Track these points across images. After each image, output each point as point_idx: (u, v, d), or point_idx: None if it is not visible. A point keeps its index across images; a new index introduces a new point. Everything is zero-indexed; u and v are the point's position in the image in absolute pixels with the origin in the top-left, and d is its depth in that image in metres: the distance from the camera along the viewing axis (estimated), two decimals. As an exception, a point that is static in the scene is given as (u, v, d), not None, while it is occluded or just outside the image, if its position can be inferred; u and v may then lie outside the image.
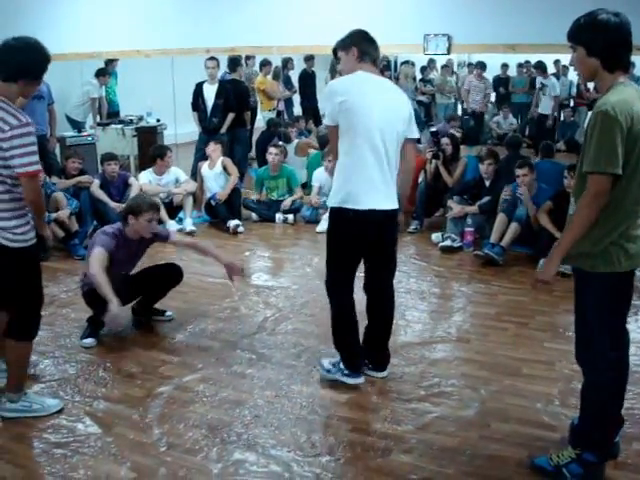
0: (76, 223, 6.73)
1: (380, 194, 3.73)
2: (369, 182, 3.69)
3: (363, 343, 4.10)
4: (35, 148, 3.35)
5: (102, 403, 3.85)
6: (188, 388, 4.00)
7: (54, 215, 6.52)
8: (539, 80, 12.40)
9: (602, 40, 2.78)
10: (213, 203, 7.65)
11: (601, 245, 2.85)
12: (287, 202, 7.87)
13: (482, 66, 12.25)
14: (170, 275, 5.00)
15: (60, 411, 3.75)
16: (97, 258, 4.46)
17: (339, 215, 3.78)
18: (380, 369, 4.14)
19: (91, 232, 6.70)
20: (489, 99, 12.96)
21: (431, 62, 13.93)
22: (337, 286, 3.95)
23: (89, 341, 4.63)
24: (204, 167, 7.96)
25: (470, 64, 12.86)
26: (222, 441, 3.45)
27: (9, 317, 3.63)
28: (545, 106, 12.03)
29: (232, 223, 7.40)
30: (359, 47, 3.80)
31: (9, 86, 3.31)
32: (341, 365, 3.99)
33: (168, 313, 5.04)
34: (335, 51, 3.93)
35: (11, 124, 3.24)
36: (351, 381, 3.97)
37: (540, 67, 12.37)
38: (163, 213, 7.25)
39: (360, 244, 3.85)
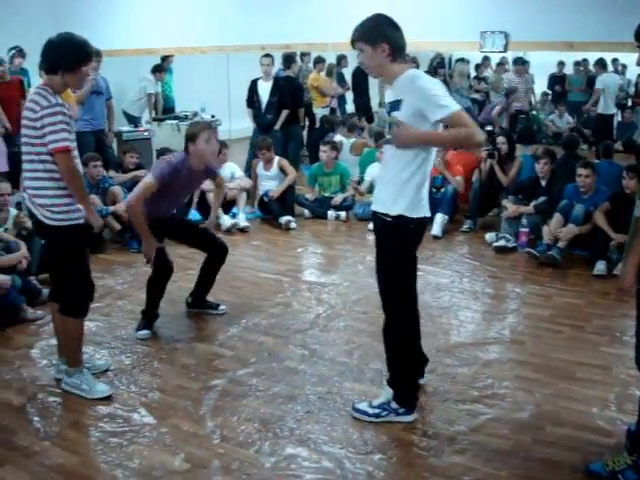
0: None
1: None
2: (425, 191, 3.47)
3: None
4: (65, 127, 3.54)
5: (157, 394, 3.91)
6: (241, 382, 4.04)
7: (112, 208, 6.64)
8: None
9: None
10: (266, 199, 7.70)
11: None
12: (338, 198, 7.88)
13: (522, 62, 11.99)
14: (215, 251, 5.00)
15: (108, 398, 3.84)
16: (142, 191, 4.53)
17: (405, 224, 3.41)
18: (421, 376, 3.92)
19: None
20: (532, 97, 12.67)
21: (485, 60, 13.82)
22: (406, 303, 3.57)
23: (144, 333, 4.71)
24: (259, 167, 7.99)
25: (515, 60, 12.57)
26: (275, 435, 3.48)
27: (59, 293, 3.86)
28: (604, 105, 11.78)
29: (284, 219, 7.43)
30: (391, 43, 3.26)
31: (51, 78, 3.61)
32: (392, 405, 3.61)
33: (222, 307, 5.09)
34: (353, 42, 3.40)
35: (42, 105, 3.51)
36: (408, 419, 3.61)
37: (600, 63, 12.12)
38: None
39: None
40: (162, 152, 7.60)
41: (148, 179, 4.58)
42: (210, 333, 4.75)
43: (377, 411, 3.62)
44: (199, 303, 5.12)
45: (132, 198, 4.59)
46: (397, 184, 3.37)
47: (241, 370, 4.19)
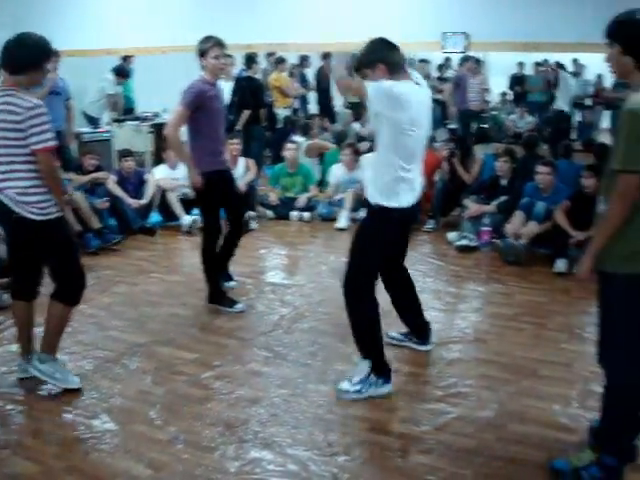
0: (98, 222, 6.71)
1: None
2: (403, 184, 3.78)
3: (404, 319, 4.40)
4: (49, 126, 3.67)
5: (119, 400, 3.85)
6: (204, 385, 4.00)
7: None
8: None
9: (639, 40, 2.74)
10: None
11: (630, 246, 2.81)
12: (303, 199, 7.84)
13: (475, 61, 12.07)
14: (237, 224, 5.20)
15: (77, 390, 3.90)
16: (176, 117, 4.82)
17: (385, 214, 3.77)
18: (426, 341, 4.42)
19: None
20: (486, 96, 12.73)
21: (447, 60, 13.91)
22: (368, 289, 3.83)
23: (241, 306, 5.09)
24: None
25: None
26: (239, 439, 3.45)
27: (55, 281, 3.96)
28: (562, 102, 11.96)
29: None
30: (385, 61, 3.65)
31: (16, 78, 3.65)
32: (371, 378, 3.84)
33: (238, 306, 5.13)
34: (358, 69, 3.80)
35: (24, 106, 3.57)
36: (387, 389, 3.87)
37: (559, 66, 12.31)
38: (178, 207, 7.26)
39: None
40: (123, 153, 7.52)
41: (178, 108, 4.80)
42: (173, 336, 4.68)
43: (358, 387, 3.83)
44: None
45: (168, 127, 4.87)
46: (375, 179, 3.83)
47: (204, 373, 4.14)
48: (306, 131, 9.09)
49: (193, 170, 4.89)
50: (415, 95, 3.66)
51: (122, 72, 10.32)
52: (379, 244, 3.84)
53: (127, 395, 3.90)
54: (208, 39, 4.84)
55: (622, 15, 2.81)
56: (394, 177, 3.71)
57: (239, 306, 5.09)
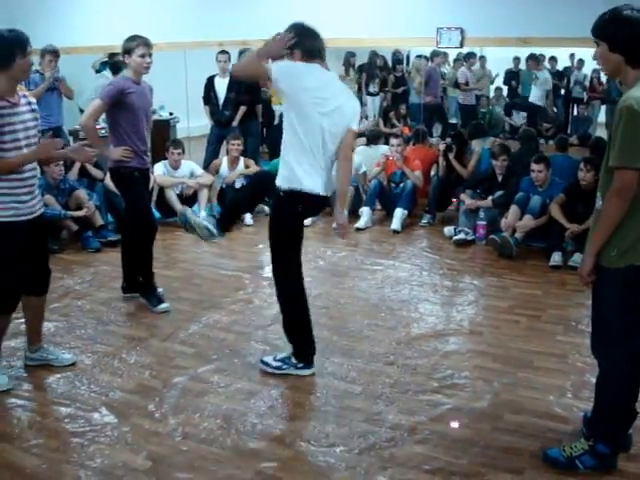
0: (100, 218, 6.74)
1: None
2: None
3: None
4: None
5: (118, 393, 3.88)
6: (203, 379, 4.03)
7: (70, 213, 6.53)
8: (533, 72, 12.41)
9: (625, 36, 2.75)
10: (223, 186, 7.66)
11: (625, 242, 2.84)
12: None
13: (470, 57, 12.20)
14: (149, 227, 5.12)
15: (73, 364, 4.15)
16: (92, 110, 4.73)
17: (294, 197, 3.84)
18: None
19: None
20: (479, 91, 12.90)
21: (443, 56, 13.88)
22: (293, 270, 4.04)
23: (164, 306, 5.01)
24: (223, 167, 7.89)
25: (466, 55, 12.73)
26: (237, 431, 3.48)
27: None
28: (535, 96, 12.12)
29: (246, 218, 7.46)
30: (301, 48, 3.68)
31: None
32: (292, 360, 4.06)
33: (162, 305, 5.06)
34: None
35: None
36: (307, 372, 4.05)
37: (533, 59, 12.44)
38: (178, 204, 7.25)
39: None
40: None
41: (96, 100, 4.76)
42: (171, 331, 4.71)
43: (279, 364, 4.07)
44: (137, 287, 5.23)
45: (84, 118, 4.83)
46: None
47: (202, 367, 4.17)
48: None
49: (107, 148, 4.87)
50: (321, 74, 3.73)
51: (119, 68, 10.31)
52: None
53: (126, 389, 3.93)
54: (134, 37, 4.79)
55: (607, 12, 2.81)
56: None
57: (163, 306, 5.06)
